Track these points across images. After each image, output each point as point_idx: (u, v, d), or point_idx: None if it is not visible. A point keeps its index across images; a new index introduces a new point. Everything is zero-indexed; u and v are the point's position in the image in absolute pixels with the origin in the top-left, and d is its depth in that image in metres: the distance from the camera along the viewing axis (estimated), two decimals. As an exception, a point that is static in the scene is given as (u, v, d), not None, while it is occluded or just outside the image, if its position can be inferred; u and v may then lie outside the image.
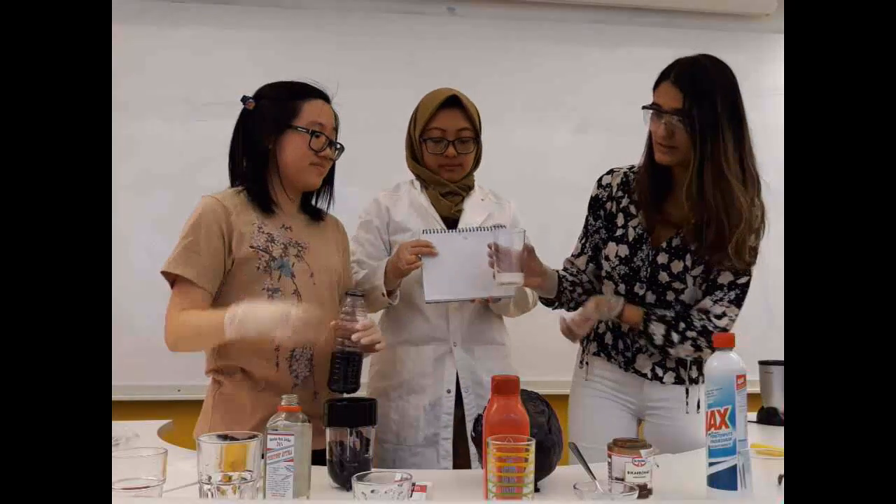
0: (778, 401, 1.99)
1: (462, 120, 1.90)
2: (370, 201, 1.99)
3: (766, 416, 1.99)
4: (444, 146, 1.91)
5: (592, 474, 1.29)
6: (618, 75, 2.83)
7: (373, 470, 1.26)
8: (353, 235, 1.91)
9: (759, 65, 2.90)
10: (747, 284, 1.70)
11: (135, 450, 1.30)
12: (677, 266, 1.70)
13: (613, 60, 2.94)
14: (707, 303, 1.69)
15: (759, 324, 2.45)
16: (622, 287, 1.76)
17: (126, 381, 2.34)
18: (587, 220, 1.87)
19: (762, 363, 2.02)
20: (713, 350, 1.25)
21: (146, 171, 2.70)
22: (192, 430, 1.61)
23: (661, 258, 1.71)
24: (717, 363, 1.22)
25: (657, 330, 1.68)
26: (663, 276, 1.71)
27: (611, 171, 1.85)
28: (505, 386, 1.20)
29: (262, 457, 1.21)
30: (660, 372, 1.76)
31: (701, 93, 1.58)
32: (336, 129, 1.72)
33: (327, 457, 1.36)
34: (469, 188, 1.99)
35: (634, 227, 1.75)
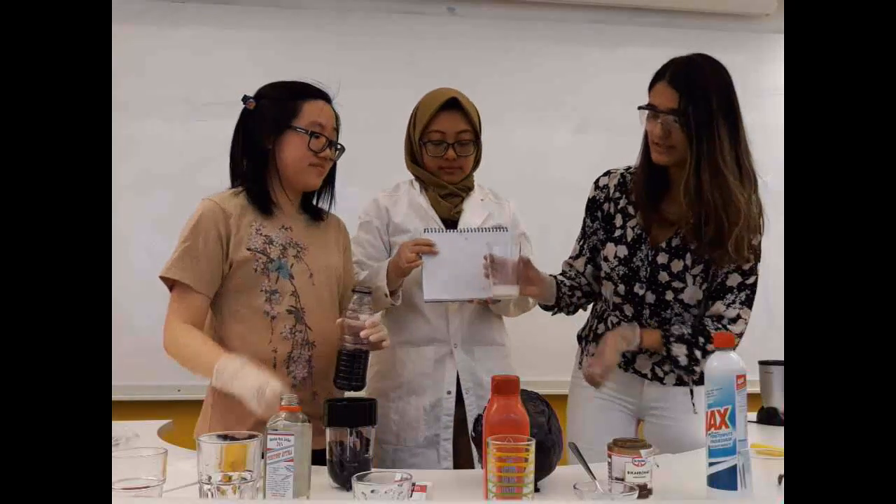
0: (778, 401, 1.99)
1: (462, 122, 1.90)
2: (369, 202, 1.99)
3: (766, 416, 1.99)
4: (444, 149, 1.90)
5: (592, 474, 1.29)
6: (618, 75, 2.83)
7: (373, 470, 1.26)
8: (352, 236, 1.91)
9: (759, 65, 2.90)
10: (755, 284, 1.71)
11: (135, 450, 1.31)
12: (677, 265, 1.70)
13: (613, 60, 2.94)
14: (720, 307, 1.69)
15: (759, 324, 2.44)
16: (621, 288, 1.76)
17: (126, 381, 2.34)
18: (585, 221, 1.87)
19: (762, 363, 2.02)
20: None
21: (146, 171, 2.70)
22: (192, 430, 1.61)
23: (661, 258, 1.71)
24: (717, 363, 1.22)
25: (679, 351, 1.68)
26: (663, 276, 1.71)
27: (607, 173, 1.85)
28: (505, 386, 1.21)
29: (262, 456, 1.21)
30: (660, 372, 1.76)
31: (696, 92, 1.58)
32: (337, 130, 1.72)
33: (327, 457, 1.36)
34: (469, 189, 1.99)
35: (633, 228, 1.75)
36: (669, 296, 1.72)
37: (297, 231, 1.69)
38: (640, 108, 1.66)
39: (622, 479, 1.24)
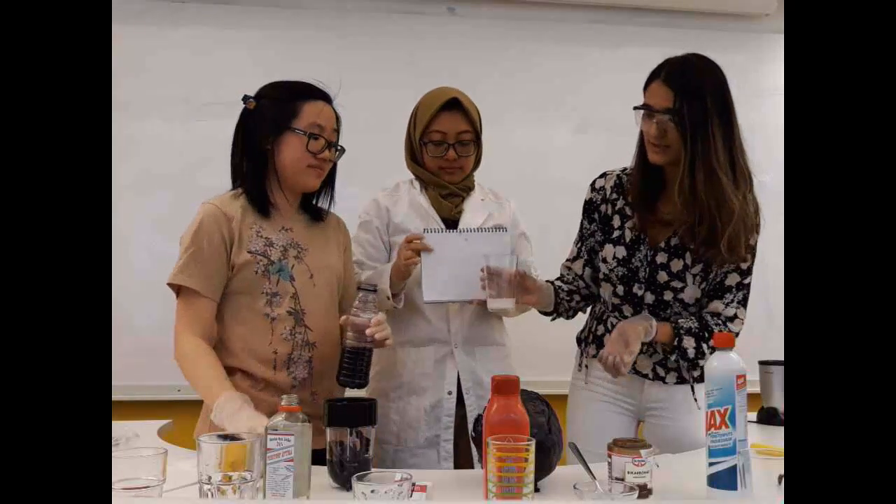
0: (778, 401, 1.98)
1: (462, 122, 1.89)
2: (370, 201, 1.98)
3: (766, 416, 1.99)
4: (445, 149, 1.90)
5: (592, 474, 1.29)
6: (618, 75, 2.82)
7: (373, 470, 1.26)
8: (352, 236, 1.91)
9: (759, 65, 2.90)
10: (750, 284, 1.72)
11: (135, 450, 1.31)
12: (677, 265, 1.71)
13: (613, 60, 2.94)
14: (718, 306, 1.70)
15: (759, 324, 2.45)
16: (620, 288, 1.76)
17: (126, 381, 2.34)
18: (582, 223, 1.87)
19: (762, 363, 2.02)
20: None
21: (146, 171, 2.70)
22: (192, 430, 1.61)
23: (660, 257, 1.72)
24: (717, 363, 1.22)
25: (689, 344, 1.68)
26: (662, 276, 1.71)
27: (603, 175, 1.85)
28: (505, 386, 1.21)
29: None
30: (661, 372, 1.76)
31: (691, 91, 1.59)
32: (338, 131, 1.71)
33: (327, 457, 1.36)
34: (469, 189, 1.98)
35: (630, 229, 1.76)
36: (668, 296, 1.72)
37: (297, 232, 1.69)
38: (635, 108, 1.67)
39: (622, 479, 1.24)
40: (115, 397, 1.38)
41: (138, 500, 1.11)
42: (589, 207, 1.85)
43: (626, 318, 1.76)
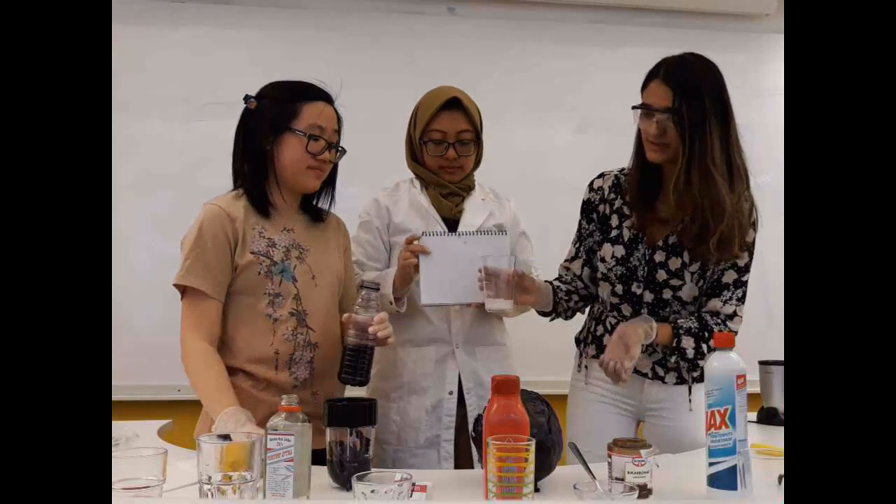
0: (778, 401, 1.98)
1: (463, 121, 1.89)
2: (370, 201, 1.98)
3: (766, 416, 1.99)
4: (445, 148, 1.90)
5: (592, 474, 1.29)
6: (618, 75, 2.80)
7: (373, 470, 1.26)
8: (353, 236, 1.91)
9: (759, 65, 2.90)
10: (748, 281, 1.73)
11: (135, 450, 1.31)
12: (675, 263, 1.71)
13: (613, 60, 2.93)
14: (717, 304, 1.71)
15: (759, 324, 2.45)
16: (619, 287, 1.76)
17: (126, 381, 2.33)
18: (580, 224, 1.87)
19: (762, 363, 2.02)
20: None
21: (146, 171, 2.70)
22: (192, 430, 1.61)
23: (659, 256, 1.72)
24: (717, 363, 1.22)
25: (688, 344, 1.69)
26: (661, 274, 1.72)
27: (601, 175, 1.86)
28: (505, 386, 1.20)
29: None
30: (661, 371, 1.76)
31: (690, 90, 1.60)
32: (338, 132, 1.71)
33: (327, 457, 1.36)
34: (469, 188, 1.98)
35: (629, 228, 1.76)
36: (667, 294, 1.72)
37: (298, 232, 1.69)
38: (634, 107, 1.67)
39: (622, 479, 1.24)
40: (115, 397, 1.38)
41: (138, 500, 1.11)
42: (587, 207, 1.85)
43: (625, 317, 1.77)
